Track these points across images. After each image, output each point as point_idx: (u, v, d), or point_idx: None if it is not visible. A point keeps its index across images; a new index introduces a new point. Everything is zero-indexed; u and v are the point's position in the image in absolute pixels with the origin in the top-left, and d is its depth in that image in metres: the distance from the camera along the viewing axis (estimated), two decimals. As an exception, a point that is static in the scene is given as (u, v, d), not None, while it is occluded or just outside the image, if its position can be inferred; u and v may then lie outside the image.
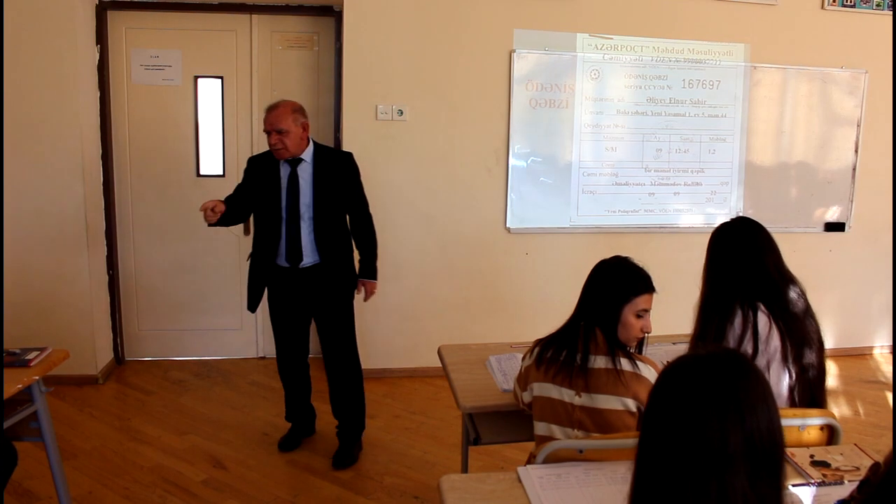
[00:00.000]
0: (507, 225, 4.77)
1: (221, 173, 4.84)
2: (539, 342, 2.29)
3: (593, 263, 2.30)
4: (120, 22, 4.64)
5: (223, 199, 3.47)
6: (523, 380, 2.33)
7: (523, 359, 2.35)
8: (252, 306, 3.68)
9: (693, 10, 4.78)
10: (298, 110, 3.46)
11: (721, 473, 1.17)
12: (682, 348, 2.82)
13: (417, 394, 4.57)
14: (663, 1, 4.75)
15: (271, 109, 3.44)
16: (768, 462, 1.21)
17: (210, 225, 3.41)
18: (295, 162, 3.49)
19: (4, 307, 4.37)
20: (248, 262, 3.69)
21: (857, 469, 1.99)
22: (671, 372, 1.31)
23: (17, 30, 4.20)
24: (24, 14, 4.20)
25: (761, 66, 4.91)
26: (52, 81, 4.28)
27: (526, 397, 2.31)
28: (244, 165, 4.70)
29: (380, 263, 3.74)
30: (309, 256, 3.53)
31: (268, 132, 3.42)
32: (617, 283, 2.19)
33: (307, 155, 3.50)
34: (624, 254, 2.26)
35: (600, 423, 2.12)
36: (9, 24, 4.16)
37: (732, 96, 4.92)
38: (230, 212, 3.43)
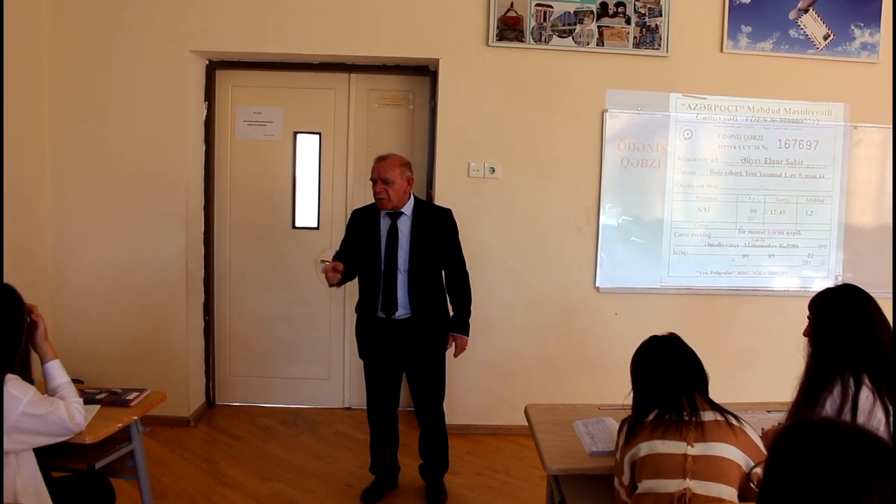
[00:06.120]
0: (597, 284, 4.72)
1: (316, 226, 4.97)
2: (624, 422, 2.29)
3: (684, 324, 2.30)
4: (227, 80, 4.89)
5: (332, 257, 3.63)
6: (619, 466, 2.27)
7: (616, 449, 2.31)
8: (362, 354, 3.78)
9: (790, 70, 4.70)
10: (406, 164, 3.60)
11: None
12: (778, 416, 2.73)
13: (500, 452, 4.52)
14: (758, 60, 4.69)
15: (381, 160, 3.57)
16: None
17: (332, 286, 3.53)
18: (395, 215, 3.59)
19: (110, 347, 4.61)
20: (356, 312, 3.78)
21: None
22: (811, 442, 1.24)
23: (136, 86, 4.51)
24: (143, 72, 4.51)
25: (862, 125, 4.78)
26: (164, 136, 4.55)
27: (626, 478, 2.25)
28: (338, 219, 4.88)
29: (467, 318, 3.78)
30: (403, 308, 3.60)
31: (374, 180, 3.54)
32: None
33: (407, 209, 3.61)
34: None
35: (715, 471, 2.09)
36: (128, 81, 4.50)
37: (831, 157, 4.79)
38: (347, 269, 3.55)
